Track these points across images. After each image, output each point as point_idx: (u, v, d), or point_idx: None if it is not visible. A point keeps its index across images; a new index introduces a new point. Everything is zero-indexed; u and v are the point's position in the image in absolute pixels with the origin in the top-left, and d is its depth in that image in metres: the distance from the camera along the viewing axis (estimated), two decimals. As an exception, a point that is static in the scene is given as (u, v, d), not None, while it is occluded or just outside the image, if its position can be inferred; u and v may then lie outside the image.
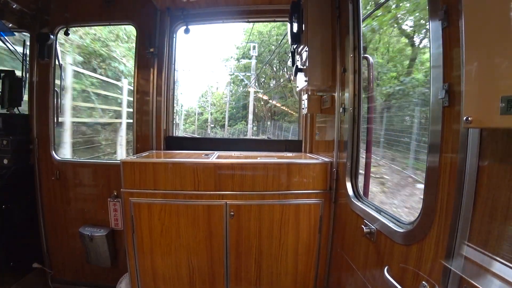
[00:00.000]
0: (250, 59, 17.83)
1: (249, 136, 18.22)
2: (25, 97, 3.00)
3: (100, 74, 7.14)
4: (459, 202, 0.99)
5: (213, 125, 22.70)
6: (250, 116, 17.38)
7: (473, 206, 0.95)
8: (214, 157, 2.45)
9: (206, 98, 24.83)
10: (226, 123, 19.84)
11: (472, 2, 0.78)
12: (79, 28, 5.16)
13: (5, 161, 2.77)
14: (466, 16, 0.78)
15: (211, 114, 23.05)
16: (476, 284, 0.88)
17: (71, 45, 5.96)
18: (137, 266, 2.26)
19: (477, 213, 0.94)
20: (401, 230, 1.37)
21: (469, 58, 0.79)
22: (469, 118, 0.78)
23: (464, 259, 0.96)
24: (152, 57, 2.90)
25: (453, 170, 1.04)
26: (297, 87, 2.58)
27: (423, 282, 1.15)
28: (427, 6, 1.19)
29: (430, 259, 1.15)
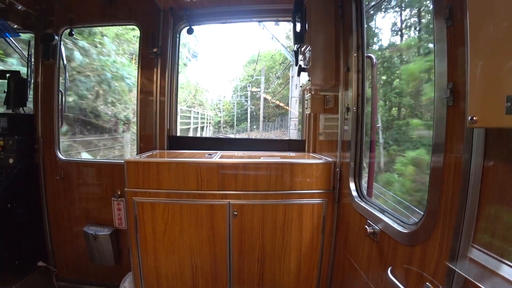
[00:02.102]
0: (247, 91, 27.35)
1: (248, 129, 26.12)
2: (30, 98, 3.03)
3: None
4: (463, 202, 0.98)
5: (224, 126, 30.70)
6: (249, 119, 26.42)
7: (478, 207, 0.94)
8: (217, 156, 2.46)
9: (218, 106, 32.91)
10: (235, 123, 28.78)
11: (477, 1, 0.77)
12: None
13: (11, 161, 2.80)
14: (471, 15, 0.77)
15: (222, 117, 31.44)
16: (481, 286, 0.87)
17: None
18: (140, 265, 2.27)
19: (482, 214, 0.93)
20: (405, 231, 1.36)
21: (474, 57, 0.78)
22: (474, 118, 0.77)
23: (468, 260, 0.96)
24: (156, 57, 2.91)
25: (458, 170, 1.03)
26: (300, 86, 2.57)
27: (427, 283, 1.14)
28: (432, 5, 1.18)
29: (434, 260, 1.14)
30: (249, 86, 26.16)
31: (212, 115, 28.73)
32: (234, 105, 29.87)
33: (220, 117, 31.66)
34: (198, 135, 20.63)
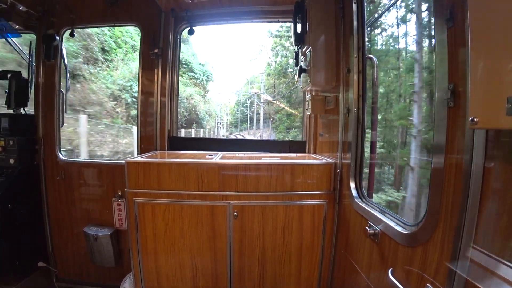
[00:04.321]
0: (247, 103, 35.52)
1: (248, 129, 33.36)
2: (31, 98, 3.04)
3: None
4: (464, 203, 0.98)
5: (230, 126, 39.75)
6: (249, 122, 33.89)
7: (479, 208, 0.94)
8: (218, 157, 2.46)
9: (225, 111, 42.05)
10: (239, 124, 37.57)
11: (478, 2, 0.77)
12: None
13: (12, 161, 2.80)
14: (472, 16, 0.78)
15: (228, 120, 41.08)
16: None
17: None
18: (141, 265, 2.27)
19: (483, 215, 0.93)
20: (406, 232, 1.36)
21: (475, 58, 0.78)
22: (475, 119, 0.77)
23: (469, 261, 0.95)
24: (157, 58, 2.91)
25: (459, 171, 1.03)
26: (301, 87, 2.58)
27: (428, 284, 1.14)
28: (432, 5, 1.18)
29: (435, 261, 1.14)
30: (248, 100, 34.73)
31: (225, 120, 39.41)
32: (237, 111, 38.63)
33: (227, 119, 40.95)
34: (221, 131, 33.22)
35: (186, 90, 17.45)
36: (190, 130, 18.42)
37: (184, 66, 19.06)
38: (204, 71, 21.42)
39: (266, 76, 26.57)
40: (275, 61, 23.36)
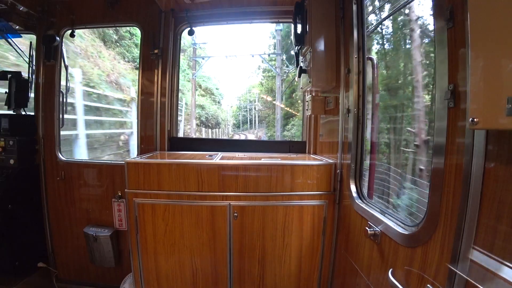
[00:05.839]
0: (246, 108, 41.68)
1: (248, 128, 38.14)
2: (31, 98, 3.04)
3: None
4: (464, 204, 0.98)
5: (233, 127, 44.41)
6: (249, 123, 38.83)
7: (479, 209, 0.94)
8: (218, 158, 2.46)
9: (229, 114, 46.84)
10: (241, 124, 42.43)
11: (478, 2, 0.77)
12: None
13: (12, 161, 2.80)
14: (472, 16, 0.78)
15: (230, 121, 45.59)
16: None
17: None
18: (140, 266, 2.26)
19: (483, 216, 0.93)
20: (406, 232, 1.36)
21: (475, 59, 0.78)
22: (475, 120, 0.77)
23: (470, 262, 0.95)
24: (157, 58, 2.92)
25: (459, 172, 1.03)
26: (301, 88, 2.58)
27: (428, 285, 1.14)
28: (432, 6, 1.18)
29: (435, 262, 1.14)
30: (248, 106, 41.10)
31: (230, 122, 45.73)
32: (239, 114, 44.14)
33: (231, 121, 46.28)
34: (228, 130, 39.78)
35: (212, 107, 29.62)
36: (215, 130, 29.39)
37: (209, 92, 29.53)
38: (220, 93, 33.58)
39: (259, 91, 36.29)
40: (265, 82, 33.44)
